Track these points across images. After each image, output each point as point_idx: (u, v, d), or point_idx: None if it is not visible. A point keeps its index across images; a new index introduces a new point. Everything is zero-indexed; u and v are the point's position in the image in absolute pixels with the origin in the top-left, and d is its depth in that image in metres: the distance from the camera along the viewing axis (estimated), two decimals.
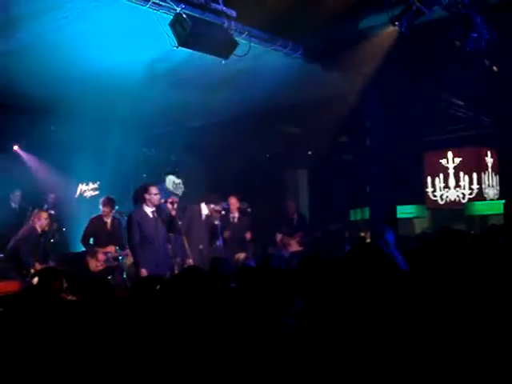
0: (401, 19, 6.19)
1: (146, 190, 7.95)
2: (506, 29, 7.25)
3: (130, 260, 9.02)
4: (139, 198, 7.95)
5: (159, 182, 12.26)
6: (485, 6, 6.66)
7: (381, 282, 3.10)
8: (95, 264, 9.26)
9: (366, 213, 12.20)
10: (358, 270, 3.17)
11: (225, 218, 9.70)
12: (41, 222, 9.04)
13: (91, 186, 12.08)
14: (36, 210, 9.35)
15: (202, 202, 8.81)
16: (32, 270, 8.50)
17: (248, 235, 9.79)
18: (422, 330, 2.86)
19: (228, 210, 9.80)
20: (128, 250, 8.76)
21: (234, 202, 9.92)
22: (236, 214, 9.94)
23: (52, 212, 10.09)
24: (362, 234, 12.63)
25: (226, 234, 9.59)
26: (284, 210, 11.68)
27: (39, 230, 9.02)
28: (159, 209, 7.95)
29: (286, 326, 3.49)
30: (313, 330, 3.48)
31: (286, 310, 3.91)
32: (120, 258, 9.43)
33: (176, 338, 3.57)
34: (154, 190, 7.92)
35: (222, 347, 3.33)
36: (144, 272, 7.45)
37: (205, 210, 8.70)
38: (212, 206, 8.90)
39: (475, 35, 6.59)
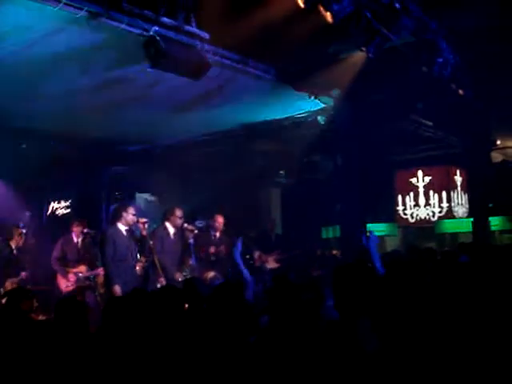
0: (368, 45, 6.35)
1: (124, 208, 8.02)
2: (470, 54, 7.48)
3: (101, 279, 8.99)
4: (116, 216, 7.99)
5: (131, 200, 12.28)
6: (450, 32, 6.85)
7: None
8: (66, 284, 9.21)
9: (337, 231, 12.33)
10: (347, 289, 3.27)
11: (204, 236, 9.73)
12: (15, 238, 9.02)
13: (63, 203, 12.02)
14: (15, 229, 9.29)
15: (166, 221, 8.76)
16: (1, 290, 8.44)
17: (223, 249, 9.79)
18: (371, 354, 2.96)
19: (204, 229, 9.83)
20: (99, 269, 8.73)
21: (220, 221, 9.93)
22: (218, 233, 9.95)
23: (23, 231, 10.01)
24: (334, 252, 12.73)
25: (212, 249, 9.58)
26: (263, 228, 11.78)
27: (13, 246, 8.98)
28: (131, 228, 8.01)
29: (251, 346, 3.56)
30: (275, 347, 3.53)
31: (253, 328, 3.98)
32: (91, 277, 9.38)
33: (148, 358, 3.61)
34: (131, 209, 8.00)
35: (190, 369, 3.39)
36: (117, 288, 7.46)
37: (171, 228, 8.66)
38: (185, 224, 8.90)
39: (441, 60, 6.78)
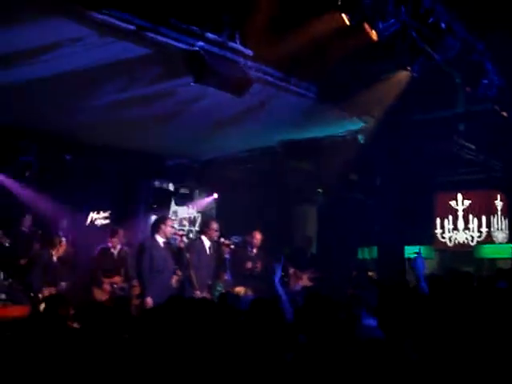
0: (413, 64, 6.33)
1: (163, 220, 8.12)
2: None
3: (136, 290, 9.05)
4: (155, 228, 8.10)
5: (168, 212, 12.39)
6: (496, 53, 6.79)
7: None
8: (101, 294, 9.28)
9: (374, 252, 12.20)
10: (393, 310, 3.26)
11: (241, 251, 9.76)
12: (58, 248, 9.17)
13: (102, 214, 12.18)
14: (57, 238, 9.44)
15: (202, 234, 8.81)
16: (40, 296, 8.56)
17: (259, 266, 9.81)
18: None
19: (240, 244, 9.87)
20: (135, 281, 8.81)
21: (258, 237, 9.95)
22: (255, 250, 9.98)
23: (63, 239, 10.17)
24: (370, 274, 12.60)
25: (248, 264, 9.62)
26: (299, 245, 11.76)
27: (53, 254, 9.12)
28: (169, 241, 8.09)
29: (286, 364, 3.54)
30: (312, 365, 3.50)
31: (289, 346, 3.95)
32: (126, 288, 9.44)
33: (182, 369, 3.61)
34: (170, 222, 8.11)
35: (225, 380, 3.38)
36: (149, 301, 7.51)
37: (206, 242, 8.68)
38: (222, 239, 8.93)
39: (486, 81, 6.72)
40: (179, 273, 8.28)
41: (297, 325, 4.46)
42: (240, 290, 6.94)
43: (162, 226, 8.01)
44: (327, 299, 4.56)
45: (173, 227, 8.13)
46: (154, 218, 11.93)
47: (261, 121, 9.27)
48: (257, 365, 3.52)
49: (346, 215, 13.46)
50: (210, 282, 8.47)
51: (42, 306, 6.71)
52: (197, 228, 13.02)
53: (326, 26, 6.14)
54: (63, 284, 9.19)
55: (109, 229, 10.18)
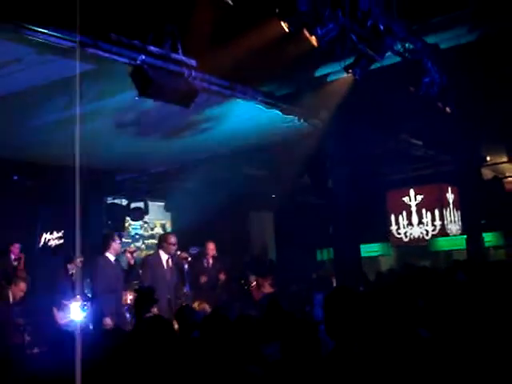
0: (354, 67, 6.40)
1: (112, 236, 7.99)
2: (457, 72, 7.54)
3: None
4: (104, 245, 7.95)
5: (123, 229, 12.25)
6: (435, 52, 6.91)
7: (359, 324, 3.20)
8: (62, 316, 9.10)
9: (332, 253, 12.31)
10: (338, 313, 3.26)
11: (197, 263, 9.69)
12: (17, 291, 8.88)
13: (55, 234, 11.95)
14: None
15: (159, 248, 8.70)
16: None
17: (222, 276, 9.78)
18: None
19: (197, 256, 9.80)
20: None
21: (212, 248, 9.93)
22: (210, 260, 9.94)
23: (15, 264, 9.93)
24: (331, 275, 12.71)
25: (203, 278, 9.57)
26: (256, 252, 11.74)
27: (11, 299, 8.81)
28: (117, 258, 8.01)
29: (251, 376, 3.52)
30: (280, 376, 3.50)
31: (252, 358, 3.93)
32: (85, 308, 9.27)
33: None
34: (118, 238, 7.98)
35: None
36: (108, 321, 7.39)
37: (164, 256, 8.57)
38: (178, 252, 8.84)
39: (427, 80, 6.84)
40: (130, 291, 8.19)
41: (260, 335, 4.46)
42: (197, 305, 6.87)
43: (112, 243, 7.88)
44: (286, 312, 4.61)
45: (120, 243, 7.98)
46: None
47: (211, 129, 9.25)
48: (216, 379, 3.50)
49: (302, 219, 13.55)
50: (168, 297, 8.37)
51: None
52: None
53: (267, 33, 6.17)
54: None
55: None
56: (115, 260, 7.92)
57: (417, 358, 3.29)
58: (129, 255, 8.04)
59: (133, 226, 13.21)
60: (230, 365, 3.65)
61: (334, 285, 11.07)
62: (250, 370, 3.66)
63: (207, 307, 6.19)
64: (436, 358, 3.30)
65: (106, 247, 7.88)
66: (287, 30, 5.62)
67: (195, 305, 6.78)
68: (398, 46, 6.52)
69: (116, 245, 7.89)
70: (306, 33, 5.60)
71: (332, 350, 3.31)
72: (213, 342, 3.79)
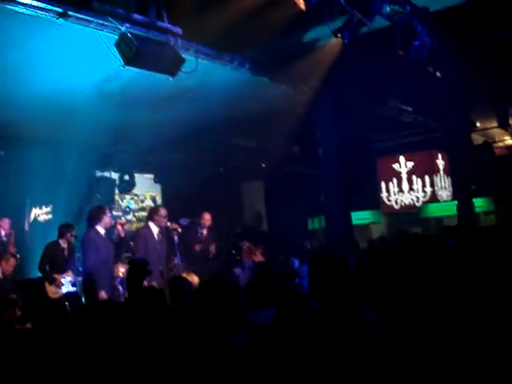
0: (343, 31, 6.30)
1: (103, 209, 7.93)
2: (448, 35, 7.45)
3: None
4: (95, 218, 7.87)
5: (113, 202, 12.18)
6: (425, 15, 6.81)
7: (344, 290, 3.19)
8: (54, 290, 9.06)
9: (323, 221, 12.30)
10: (322, 279, 3.24)
11: (190, 233, 9.67)
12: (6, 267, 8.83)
13: (44, 209, 11.86)
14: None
15: (149, 221, 8.65)
16: None
17: (212, 249, 9.78)
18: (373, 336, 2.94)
19: (189, 226, 9.77)
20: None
21: (208, 218, 9.90)
22: (205, 231, 9.91)
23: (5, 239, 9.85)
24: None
25: (197, 247, 9.56)
26: (248, 222, 11.72)
27: (1, 275, 8.78)
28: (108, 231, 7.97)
29: (234, 345, 3.51)
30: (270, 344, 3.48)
31: (238, 325, 3.93)
32: (78, 283, 9.25)
33: (131, 360, 3.54)
34: (108, 211, 7.94)
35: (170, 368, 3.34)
36: (103, 294, 7.36)
37: (155, 228, 8.53)
38: (168, 223, 8.80)
39: (417, 43, 6.75)
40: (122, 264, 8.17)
41: (246, 301, 4.45)
42: (185, 275, 6.81)
43: (103, 216, 7.80)
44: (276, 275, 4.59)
45: (111, 217, 7.94)
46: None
47: (196, 100, 9.13)
48: (206, 348, 3.49)
49: (292, 188, 13.52)
50: (161, 268, 8.35)
51: None
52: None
53: None
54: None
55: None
56: (105, 233, 7.86)
57: (408, 323, 3.29)
58: (119, 227, 7.99)
59: (124, 198, 13.12)
60: (220, 333, 3.64)
61: None
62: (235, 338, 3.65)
63: (196, 279, 6.15)
64: (426, 324, 3.30)
65: (97, 220, 7.81)
66: None
67: (184, 275, 6.74)
68: (387, 9, 6.42)
69: (107, 218, 7.83)
70: None
71: (316, 314, 3.30)
72: (206, 312, 3.77)
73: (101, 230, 7.80)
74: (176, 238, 8.83)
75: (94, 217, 7.87)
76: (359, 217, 13.48)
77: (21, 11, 5.73)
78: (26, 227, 11.49)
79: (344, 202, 9.93)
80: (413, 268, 4.89)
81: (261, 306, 4.24)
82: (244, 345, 3.57)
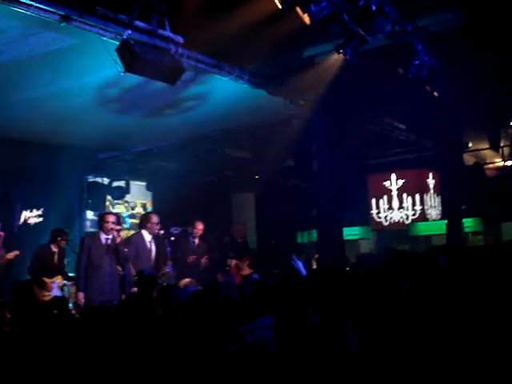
0: (345, 47, 6.34)
1: (104, 216, 8.16)
2: (446, 56, 7.53)
3: (74, 288, 8.83)
4: (99, 224, 8.13)
5: (103, 208, 12.12)
6: (425, 35, 6.88)
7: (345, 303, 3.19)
8: (43, 294, 8.98)
9: (313, 235, 12.31)
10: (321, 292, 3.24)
11: (182, 243, 9.66)
12: None
13: (35, 212, 11.77)
14: None
15: (142, 228, 8.66)
16: None
17: (204, 261, 9.74)
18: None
19: (180, 235, 9.75)
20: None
21: (201, 228, 9.87)
22: (197, 240, 9.89)
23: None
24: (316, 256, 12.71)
25: (191, 258, 9.54)
26: (233, 234, 11.63)
27: None
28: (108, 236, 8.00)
29: (231, 356, 3.48)
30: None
31: (233, 337, 3.90)
32: (65, 288, 9.20)
33: (119, 368, 3.52)
34: (110, 218, 8.08)
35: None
36: (81, 295, 7.63)
37: (147, 236, 8.54)
38: (161, 232, 8.79)
39: (417, 62, 6.81)
40: (119, 268, 8.13)
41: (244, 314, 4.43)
42: (184, 281, 6.79)
43: (104, 223, 7.89)
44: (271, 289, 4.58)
45: (113, 223, 7.95)
46: (89, 213, 11.70)
47: (193, 109, 9.15)
48: (196, 357, 3.46)
49: (283, 201, 13.53)
50: None
51: None
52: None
53: (257, 10, 6.07)
54: None
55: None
56: (107, 239, 7.92)
57: (402, 335, 3.29)
58: (115, 233, 8.02)
59: (115, 204, 13.04)
60: (211, 344, 3.62)
61: (315, 267, 11.10)
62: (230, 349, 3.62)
63: (194, 283, 6.19)
64: (421, 339, 3.30)
65: (100, 226, 7.94)
66: (280, 7, 5.53)
67: (182, 282, 6.73)
68: (389, 28, 6.47)
69: (108, 224, 7.91)
70: (299, 10, 5.52)
71: (317, 327, 3.29)
72: (197, 322, 3.74)
73: (102, 235, 7.93)
74: (168, 246, 8.85)
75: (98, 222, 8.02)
76: (348, 232, 13.50)
77: (23, 12, 5.71)
78: (16, 229, 11.41)
79: (337, 216, 9.95)
80: (402, 284, 4.89)
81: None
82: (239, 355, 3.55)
